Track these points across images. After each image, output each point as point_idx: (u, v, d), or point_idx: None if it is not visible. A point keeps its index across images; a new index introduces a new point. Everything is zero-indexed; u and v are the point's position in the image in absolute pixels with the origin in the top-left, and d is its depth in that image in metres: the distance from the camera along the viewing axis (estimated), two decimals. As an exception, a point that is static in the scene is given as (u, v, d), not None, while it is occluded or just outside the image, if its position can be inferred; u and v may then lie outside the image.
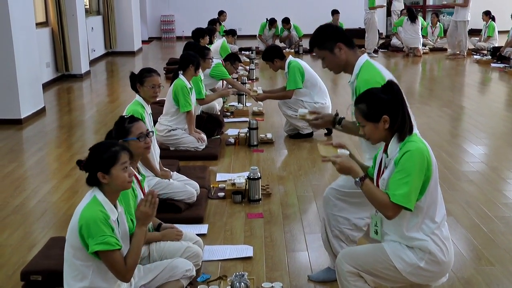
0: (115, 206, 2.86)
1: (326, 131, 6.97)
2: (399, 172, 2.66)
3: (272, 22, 15.28)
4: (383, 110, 2.72)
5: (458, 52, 13.96)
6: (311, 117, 3.67)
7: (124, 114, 4.31)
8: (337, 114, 3.56)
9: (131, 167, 2.89)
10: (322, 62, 3.45)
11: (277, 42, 15.12)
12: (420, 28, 14.46)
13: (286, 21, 15.22)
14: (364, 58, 3.40)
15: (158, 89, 4.68)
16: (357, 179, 2.75)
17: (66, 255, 2.82)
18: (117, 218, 2.83)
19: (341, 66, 3.44)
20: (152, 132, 3.69)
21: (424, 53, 14.50)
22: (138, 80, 4.65)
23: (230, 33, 12.41)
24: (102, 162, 2.77)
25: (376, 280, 2.85)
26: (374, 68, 3.33)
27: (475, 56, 14.00)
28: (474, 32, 17.07)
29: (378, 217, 2.88)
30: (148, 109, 4.65)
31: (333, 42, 3.37)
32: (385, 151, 2.83)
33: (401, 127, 2.72)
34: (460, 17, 13.75)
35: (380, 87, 2.82)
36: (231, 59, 8.33)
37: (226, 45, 10.92)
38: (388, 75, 3.29)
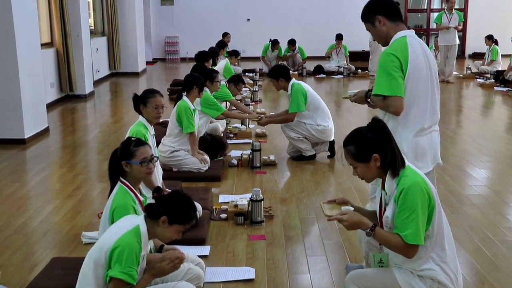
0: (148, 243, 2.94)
1: (328, 153, 6.98)
2: (403, 211, 2.67)
3: (274, 43, 15.39)
4: (372, 149, 2.75)
5: (449, 79, 13.84)
6: (352, 96, 3.82)
7: (127, 135, 4.36)
8: (370, 90, 3.61)
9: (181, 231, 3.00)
10: (370, 33, 3.56)
11: (280, 63, 15.21)
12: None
13: (292, 42, 15.32)
14: (402, 33, 3.39)
15: (161, 110, 4.70)
16: (368, 231, 2.77)
17: (85, 269, 2.84)
18: (144, 255, 2.89)
19: (383, 38, 3.50)
20: (157, 157, 3.72)
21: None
22: (141, 101, 4.67)
23: (233, 54, 12.50)
24: (176, 215, 2.89)
25: None
26: (403, 44, 3.33)
27: (478, 80, 14.04)
28: (477, 56, 17.14)
29: (384, 255, 2.91)
30: (152, 130, 4.68)
31: (373, 15, 3.46)
32: (383, 187, 2.86)
33: (392, 162, 2.74)
34: (453, 41, 13.77)
35: (365, 126, 2.83)
36: (235, 80, 8.40)
37: (229, 66, 11.00)
38: (416, 55, 3.30)
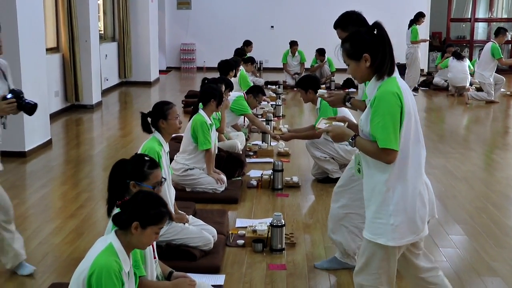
0: (129, 258, 2.91)
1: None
2: (375, 116, 3.04)
3: (292, 44, 15.39)
4: (365, 49, 3.11)
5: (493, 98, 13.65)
6: (327, 95, 4.54)
7: (139, 151, 4.38)
8: (348, 94, 4.42)
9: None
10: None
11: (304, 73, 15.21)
12: (467, 65, 14.39)
13: (321, 52, 15.31)
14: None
15: (180, 119, 4.78)
16: (350, 140, 3.18)
17: None
18: (128, 271, 2.87)
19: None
20: (165, 179, 3.73)
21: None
22: (161, 116, 4.65)
23: (249, 61, 12.49)
24: (146, 216, 2.90)
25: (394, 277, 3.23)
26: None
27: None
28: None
29: (361, 156, 3.26)
30: (166, 147, 4.70)
31: (355, 28, 3.80)
32: None
33: (380, 65, 3.10)
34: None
35: (366, 29, 3.22)
36: (254, 91, 8.36)
37: (245, 74, 10.97)
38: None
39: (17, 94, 4.13)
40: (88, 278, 2.73)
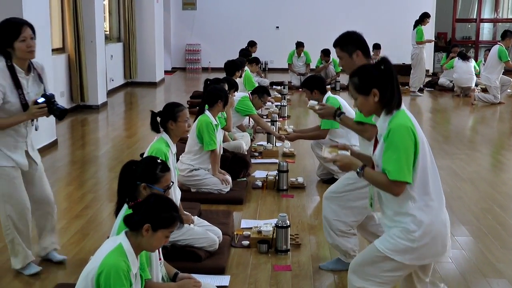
0: (137, 259, 2.93)
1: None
2: (389, 150, 3.07)
3: (298, 45, 15.37)
4: (373, 84, 3.16)
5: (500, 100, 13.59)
6: (318, 107, 4.75)
7: (146, 152, 4.39)
8: (339, 108, 4.55)
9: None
10: (339, 60, 4.34)
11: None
12: (473, 66, 14.36)
13: (326, 53, 15.29)
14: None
15: (189, 122, 4.81)
16: (358, 170, 3.18)
17: None
18: (135, 273, 2.89)
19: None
20: (173, 182, 3.75)
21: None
22: (171, 118, 4.68)
23: (254, 62, 12.51)
24: (158, 219, 2.93)
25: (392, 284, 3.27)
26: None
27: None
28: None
29: (375, 190, 3.28)
30: (174, 148, 4.71)
31: (354, 47, 4.21)
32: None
33: (389, 100, 3.15)
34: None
35: (374, 64, 3.27)
36: (259, 91, 8.35)
37: (250, 74, 10.99)
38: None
39: (49, 99, 4.18)
40: (97, 277, 2.75)
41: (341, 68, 15.35)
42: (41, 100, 4.15)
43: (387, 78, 3.16)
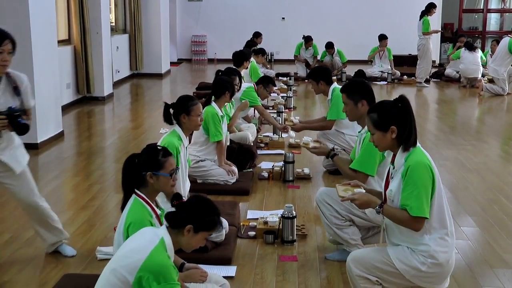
0: None
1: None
2: (408, 187, 3.19)
3: (307, 39, 15.33)
4: (392, 121, 3.28)
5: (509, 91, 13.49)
6: (312, 145, 5.01)
7: (157, 144, 4.39)
8: (333, 149, 4.85)
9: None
10: (344, 106, 4.67)
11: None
12: (479, 57, 14.29)
13: (329, 46, 15.22)
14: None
15: (202, 116, 4.88)
16: (377, 208, 3.30)
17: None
18: None
19: (356, 117, 4.68)
20: (178, 167, 3.75)
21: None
22: (184, 111, 4.70)
23: (260, 53, 12.48)
24: (201, 222, 2.99)
25: (384, 284, 3.39)
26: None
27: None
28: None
29: (394, 224, 3.35)
30: (186, 142, 4.74)
31: (360, 97, 4.53)
32: (392, 162, 3.40)
33: (407, 138, 3.28)
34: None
35: (392, 101, 3.37)
36: (264, 81, 8.32)
37: (256, 65, 10.98)
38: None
39: (11, 113, 4.04)
40: (142, 269, 2.78)
41: (347, 59, 15.38)
42: (5, 112, 4.04)
43: (406, 116, 3.28)
